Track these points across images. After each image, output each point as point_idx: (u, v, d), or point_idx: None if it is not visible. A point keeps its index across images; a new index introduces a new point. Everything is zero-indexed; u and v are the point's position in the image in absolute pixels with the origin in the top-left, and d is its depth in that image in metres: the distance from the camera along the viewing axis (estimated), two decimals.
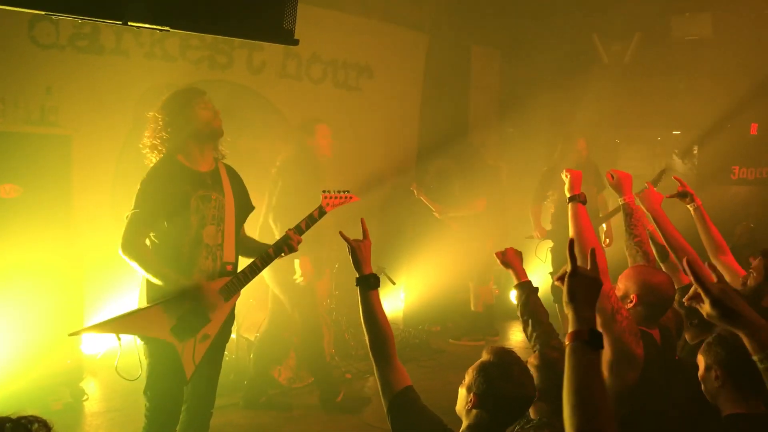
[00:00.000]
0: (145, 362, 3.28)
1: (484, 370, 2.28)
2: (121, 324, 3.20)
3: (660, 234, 3.50)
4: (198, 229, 3.29)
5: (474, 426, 2.25)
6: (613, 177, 3.41)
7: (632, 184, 3.41)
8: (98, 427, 4.67)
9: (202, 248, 3.30)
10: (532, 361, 2.70)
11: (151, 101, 3.51)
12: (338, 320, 6.21)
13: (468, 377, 2.32)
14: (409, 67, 7.91)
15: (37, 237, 4.54)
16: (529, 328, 3.12)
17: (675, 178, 3.96)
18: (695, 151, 7.69)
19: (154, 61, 5.78)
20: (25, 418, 1.49)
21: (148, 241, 3.28)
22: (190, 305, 3.24)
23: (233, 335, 5.04)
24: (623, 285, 2.87)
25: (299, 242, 3.51)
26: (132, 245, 3.19)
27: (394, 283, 6.43)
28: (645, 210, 3.49)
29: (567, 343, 1.65)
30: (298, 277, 4.81)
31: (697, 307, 1.86)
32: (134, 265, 3.21)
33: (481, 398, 2.24)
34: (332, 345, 5.90)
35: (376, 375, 2.39)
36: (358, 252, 2.59)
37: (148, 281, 3.26)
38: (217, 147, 3.47)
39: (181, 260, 3.26)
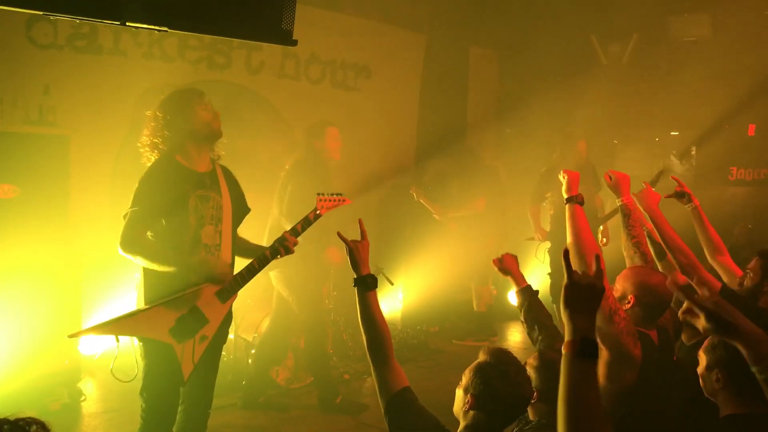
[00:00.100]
0: (141, 363, 3.28)
1: (480, 371, 2.28)
2: (120, 326, 3.20)
3: (657, 234, 3.51)
4: (197, 228, 3.29)
5: (471, 427, 2.25)
6: (611, 178, 3.41)
7: (630, 184, 3.42)
8: (96, 428, 4.66)
9: (201, 248, 3.30)
10: (531, 362, 2.70)
11: (149, 101, 3.51)
12: (336, 321, 6.21)
13: (465, 378, 2.31)
14: (407, 68, 7.91)
15: (35, 237, 4.54)
16: (535, 333, 3.13)
17: (673, 177, 3.97)
18: (693, 152, 7.69)
19: (153, 61, 5.78)
20: (23, 419, 1.49)
21: None
22: (190, 305, 3.24)
23: (231, 335, 5.04)
24: (621, 286, 2.87)
25: (295, 244, 3.53)
26: (132, 241, 3.19)
27: (392, 284, 6.43)
28: (642, 210, 3.50)
29: (563, 352, 1.64)
30: (328, 265, 4.99)
31: (692, 321, 1.84)
32: (137, 260, 3.20)
33: (478, 399, 2.24)
34: (330, 345, 5.90)
35: (373, 375, 2.39)
36: (356, 252, 2.59)
37: (145, 283, 3.26)
38: (213, 148, 3.48)
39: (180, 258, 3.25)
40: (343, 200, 3.75)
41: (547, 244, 6.59)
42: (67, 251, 4.79)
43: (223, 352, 3.62)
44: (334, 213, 3.76)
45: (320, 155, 5.02)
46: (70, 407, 4.81)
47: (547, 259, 6.53)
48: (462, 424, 2.29)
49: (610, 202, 6.25)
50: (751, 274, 3.34)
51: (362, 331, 2.46)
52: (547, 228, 6.64)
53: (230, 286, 3.38)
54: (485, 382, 2.24)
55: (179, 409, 3.39)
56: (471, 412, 2.25)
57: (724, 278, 3.55)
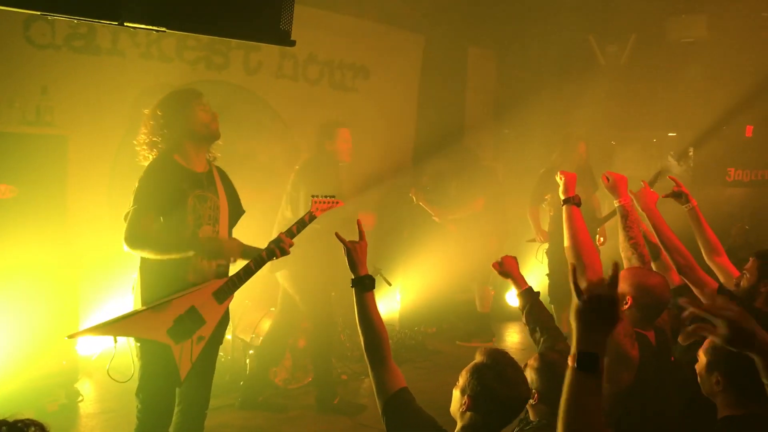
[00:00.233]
0: (137, 363, 3.28)
1: (477, 371, 2.27)
2: (118, 327, 3.20)
3: (654, 234, 3.51)
4: (194, 228, 3.29)
5: (468, 427, 2.25)
6: (608, 179, 3.42)
7: (627, 185, 3.42)
8: (93, 428, 4.66)
9: None
10: (532, 364, 2.69)
11: (147, 102, 3.50)
12: (334, 321, 6.19)
13: (462, 379, 2.31)
14: (405, 68, 7.92)
15: (32, 238, 4.53)
16: (537, 334, 3.13)
17: (670, 177, 3.97)
18: (691, 153, 7.70)
19: (151, 61, 5.77)
20: (21, 421, 1.48)
21: None
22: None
23: (228, 336, 5.04)
24: (618, 287, 2.87)
25: (291, 245, 3.52)
26: (138, 235, 3.18)
27: (390, 284, 6.42)
28: (639, 209, 3.50)
29: (569, 364, 1.61)
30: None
31: (706, 334, 1.74)
32: (147, 253, 3.20)
33: (475, 400, 2.24)
34: None
35: (371, 376, 2.39)
36: (354, 253, 2.60)
37: (143, 283, 3.26)
38: (210, 149, 3.48)
39: (176, 259, 3.25)
40: (337, 202, 3.78)
41: (546, 245, 6.58)
42: (65, 251, 4.78)
43: (220, 353, 3.62)
44: (343, 211, 3.79)
45: (332, 156, 5.01)
46: (68, 408, 4.79)
47: (546, 260, 6.53)
48: (459, 425, 2.28)
49: (608, 202, 6.26)
50: (748, 275, 3.35)
51: (360, 331, 2.47)
52: (547, 229, 6.64)
53: (227, 287, 3.38)
54: (482, 383, 2.24)
55: (176, 409, 3.39)
56: (468, 413, 2.25)
57: (721, 279, 3.56)
